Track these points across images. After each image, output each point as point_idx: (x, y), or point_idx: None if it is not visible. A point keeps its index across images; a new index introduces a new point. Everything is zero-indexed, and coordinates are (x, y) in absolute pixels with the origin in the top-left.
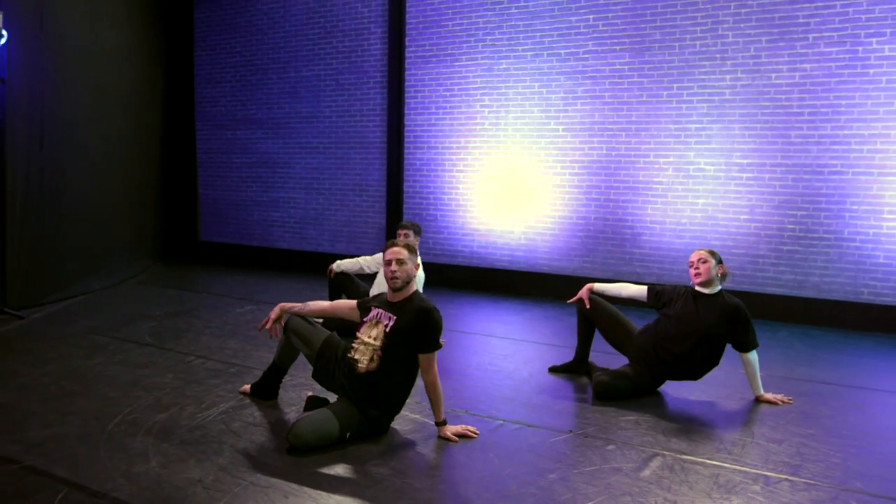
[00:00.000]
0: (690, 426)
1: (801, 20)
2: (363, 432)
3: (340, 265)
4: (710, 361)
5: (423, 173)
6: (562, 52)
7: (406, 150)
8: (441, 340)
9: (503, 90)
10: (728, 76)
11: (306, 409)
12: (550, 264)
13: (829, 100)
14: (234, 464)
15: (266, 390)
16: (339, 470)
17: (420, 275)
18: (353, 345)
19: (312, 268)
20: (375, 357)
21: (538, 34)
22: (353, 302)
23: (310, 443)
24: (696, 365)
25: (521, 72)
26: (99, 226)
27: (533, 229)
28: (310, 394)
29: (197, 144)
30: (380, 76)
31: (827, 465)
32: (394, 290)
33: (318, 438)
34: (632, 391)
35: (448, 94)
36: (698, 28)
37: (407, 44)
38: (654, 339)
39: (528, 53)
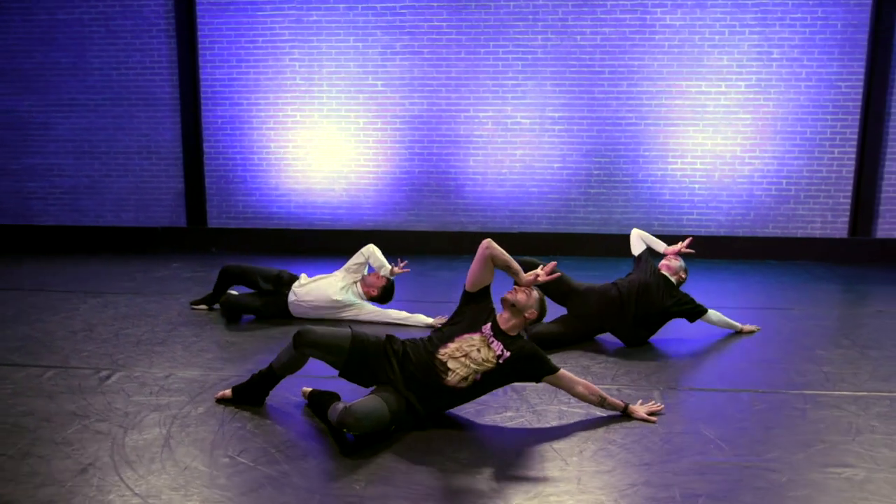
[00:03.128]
0: (661, 365)
1: None
2: (405, 423)
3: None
4: (649, 332)
5: (226, 132)
6: (377, 6)
7: (204, 108)
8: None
9: (315, 43)
10: (539, 36)
11: (312, 403)
12: (375, 220)
13: (624, 60)
14: (328, 474)
15: (254, 396)
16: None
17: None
18: (450, 350)
19: (95, 244)
20: (471, 378)
21: None
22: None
23: (365, 427)
24: (637, 330)
25: (334, 25)
26: None
27: (355, 186)
28: (308, 389)
29: None
30: (165, 24)
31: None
32: (510, 315)
33: (373, 424)
34: (565, 342)
35: (251, 46)
36: None
37: None
38: (606, 300)
39: (341, 6)
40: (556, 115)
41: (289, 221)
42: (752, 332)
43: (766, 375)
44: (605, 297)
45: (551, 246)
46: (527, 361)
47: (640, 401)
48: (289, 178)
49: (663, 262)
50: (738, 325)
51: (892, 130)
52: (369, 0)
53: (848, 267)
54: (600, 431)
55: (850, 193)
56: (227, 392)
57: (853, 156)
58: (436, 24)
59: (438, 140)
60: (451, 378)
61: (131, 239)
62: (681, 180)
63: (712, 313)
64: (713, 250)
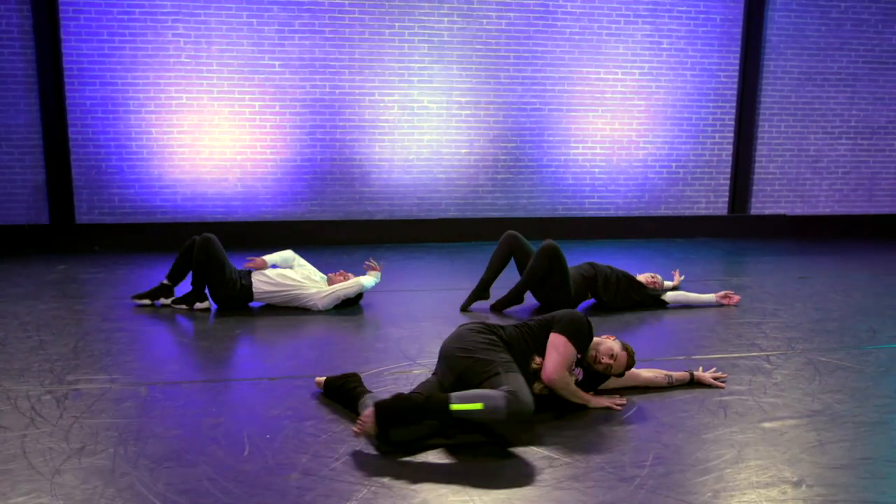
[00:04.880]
0: (659, 337)
1: None
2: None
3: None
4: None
5: (96, 115)
6: None
7: (69, 87)
8: None
9: (203, 17)
10: (445, 19)
11: (332, 392)
12: (274, 211)
13: (529, 46)
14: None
15: (344, 400)
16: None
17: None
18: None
19: None
20: (546, 389)
21: None
22: None
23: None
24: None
25: None
26: None
27: (251, 175)
28: (322, 379)
29: None
30: None
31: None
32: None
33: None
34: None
35: (126, 17)
36: None
37: None
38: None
39: None
40: (464, 99)
41: (175, 215)
42: (727, 296)
43: (758, 339)
44: (579, 272)
45: (459, 232)
46: (590, 381)
47: (700, 367)
48: (174, 167)
49: (641, 276)
50: (711, 296)
51: (761, 117)
52: None
53: (745, 241)
54: (657, 409)
55: (728, 175)
56: (322, 380)
57: (731, 141)
58: (337, 1)
59: (342, 125)
60: (536, 386)
61: None
62: (582, 165)
63: (671, 294)
64: (614, 231)
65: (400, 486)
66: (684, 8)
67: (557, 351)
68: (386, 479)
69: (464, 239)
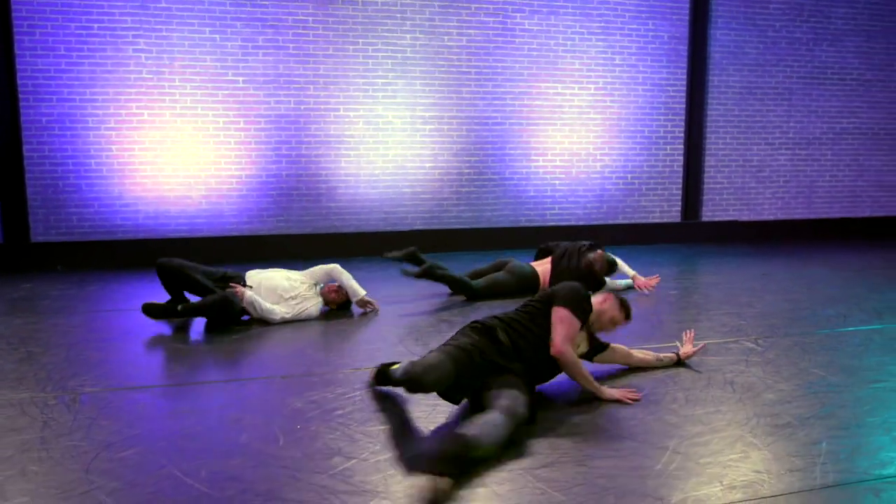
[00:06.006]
0: (641, 325)
1: None
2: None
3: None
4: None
5: (53, 132)
6: None
7: (23, 103)
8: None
9: (164, 33)
10: (408, 35)
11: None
12: (240, 228)
13: (489, 62)
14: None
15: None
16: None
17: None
18: None
19: None
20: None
21: None
22: None
23: (430, 382)
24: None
25: (186, 13)
26: None
27: (216, 192)
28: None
29: None
30: None
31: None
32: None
33: (437, 378)
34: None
35: (85, 32)
36: None
37: None
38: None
39: None
40: (427, 114)
41: (137, 233)
42: (647, 285)
43: (741, 326)
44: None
45: (426, 244)
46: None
47: (676, 342)
48: (136, 185)
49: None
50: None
51: (708, 130)
52: None
53: (701, 246)
54: (669, 386)
55: (680, 185)
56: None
57: (681, 152)
58: (301, 17)
59: (307, 140)
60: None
61: None
62: (543, 177)
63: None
64: (576, 240)
65: None
66: (634, 26)
67: (562, 324)
68: None
69: (431, 250)
